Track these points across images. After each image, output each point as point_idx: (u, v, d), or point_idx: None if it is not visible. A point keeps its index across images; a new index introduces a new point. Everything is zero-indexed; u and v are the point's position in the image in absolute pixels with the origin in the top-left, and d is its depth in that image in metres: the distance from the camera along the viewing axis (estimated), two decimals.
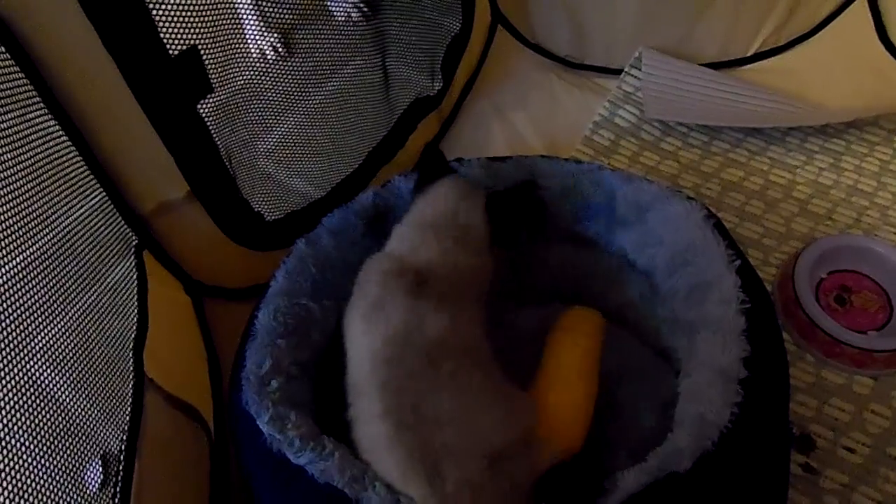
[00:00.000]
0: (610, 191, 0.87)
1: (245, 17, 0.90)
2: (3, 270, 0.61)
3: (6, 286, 0.61)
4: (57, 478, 0.60)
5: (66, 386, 0.65)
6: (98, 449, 0.66)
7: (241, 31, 0.91)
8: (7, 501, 0.53)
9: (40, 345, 0.63)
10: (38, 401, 0.61)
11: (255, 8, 0.90)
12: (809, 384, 0.93)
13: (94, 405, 0.68)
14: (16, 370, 0.59)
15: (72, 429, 0.65)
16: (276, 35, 1.03)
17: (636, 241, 0.87)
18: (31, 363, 0.62)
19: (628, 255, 0.88)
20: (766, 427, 0.67)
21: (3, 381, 0.57)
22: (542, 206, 0.88)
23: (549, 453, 0.67)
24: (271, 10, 0.90)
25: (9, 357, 0.59)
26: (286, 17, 0.92)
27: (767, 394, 0.68)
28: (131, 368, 0.74)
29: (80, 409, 0.66)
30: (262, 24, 0.94)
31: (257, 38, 0.97)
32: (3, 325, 0.59)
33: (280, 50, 1.04)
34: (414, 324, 0.68)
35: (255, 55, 1.00)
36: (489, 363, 0.71)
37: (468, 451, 0.62)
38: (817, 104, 1.24)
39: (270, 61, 1.03)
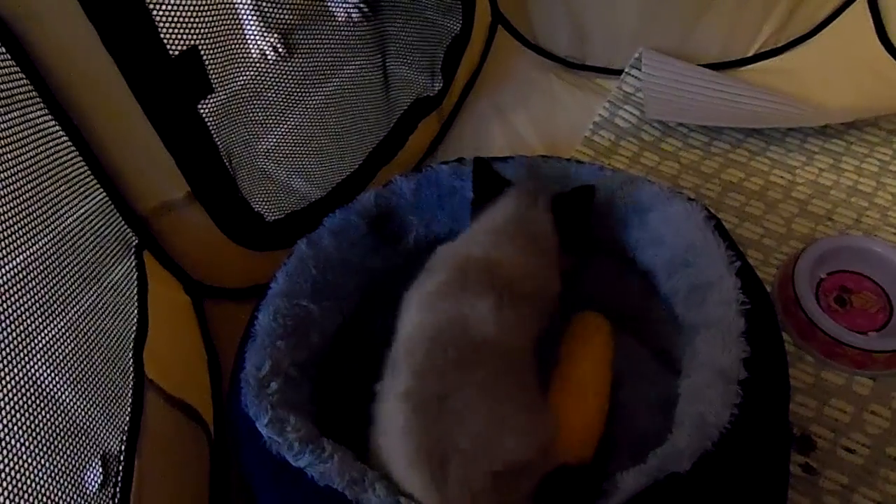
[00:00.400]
0: (610, 191, 0.87)
1: (245, 17, 0.90)
2: (3, 270, 0.61)
3: (6, 286, 0.61)
4: (57, 478, 0.60)
5: (65, 386, 0.65)
6: (98, 449, 0.66)
7: (241, 31, 0.91)
8: (7, 502, 0.53)
9: (40, 345, 0.63)
10: (37, 401, 0.61)
11: (255, 8, 0.90)
12: (809, 385, 0.93)
13: (94, 405, 0.68)
14: (16, 370, 0.59)
15: (71, 429, 0.65)
16: (276, 35, 1.03)
17: (637, 242, 0.87)
18: (31, 363, 0.62)
19: (629, 255, 0.88)
20: (766, 428, 0.67)
21: (4, 382, 0.57)
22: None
23: (558, 465, 0.66)
24: (271, 10, 0.90)
25: (9, 357, 0.59)
26: (286, 17, 0.92)
27: (767, 395, 0.68)
28: (131, 368, 0.74)
29: (79, 410, 0.66)
30: (261, 24, 0.94)
31: (257, 38, 0.97)
32: (4, 325, 0.59)
33: (280, 50, 1.04)
34: (466, 319, 0.68)
35: (255, 55, 1.00)
36: (529, 373, 0.70)
37: (479, 459, 0.61)
38: (817, 105, 1.24)
39: (271, 61, 1.03)
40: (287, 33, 1.03)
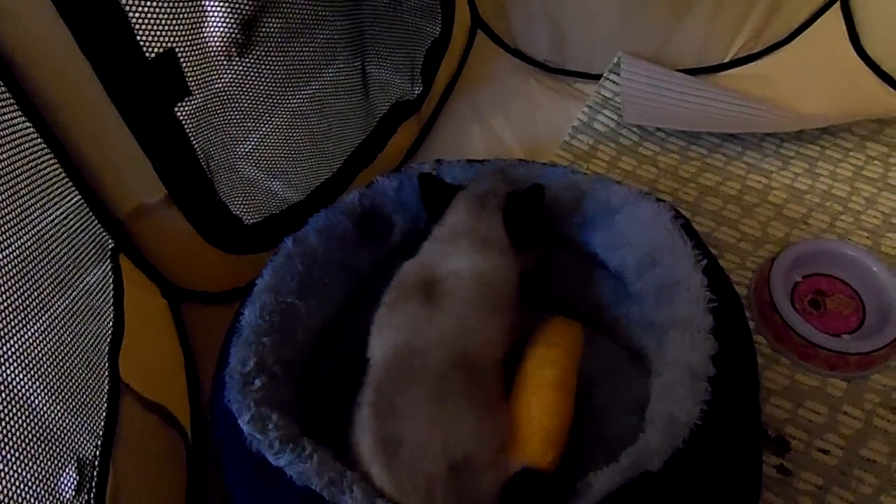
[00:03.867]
0: (581, 193, 0.88)
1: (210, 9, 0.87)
2: None
3: None
4: (30, 483, 0.59)
5: (39, 390, 0.65)
6: (72, 454, 0.66)
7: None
8: None
9: (14, 349, 0.63)
10: (11, 406, 0.60)
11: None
12: (784, 387, 0.94)
13: (69, 410, 0.67)
14: None
15: (46, 434, 0.64)
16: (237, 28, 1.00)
17: (607, 243, 0.87)
18: (5, 367, 0.61)
19: (600, 256, 0.89)
20: (737, 424, 0.68)
21: None
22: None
23: (520, 467, 0.67)
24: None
25: None
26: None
27: (737, 391, 0.68)
28: (106, 372, 0.73)
29: (54, 414, 0.65)
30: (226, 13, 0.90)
31: (220, 28, 0.93)
32: None
33: (240, 40, 1.00)
34: (421, 328, 0.73)
35: (217, 49, 0.96)
36: (491, 373, 0.73)
37: (430, 448, 0.65)
38: (792, 110, 1.25)
39: (248, 62, 1.02)
40: (254, 28, 1.01)
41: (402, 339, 0.73)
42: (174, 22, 0.74)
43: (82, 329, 0.73)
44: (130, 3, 0.69)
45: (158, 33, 0.73)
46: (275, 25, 0.93)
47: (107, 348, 0.75)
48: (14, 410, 0.60)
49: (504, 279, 0.79)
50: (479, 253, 0.79)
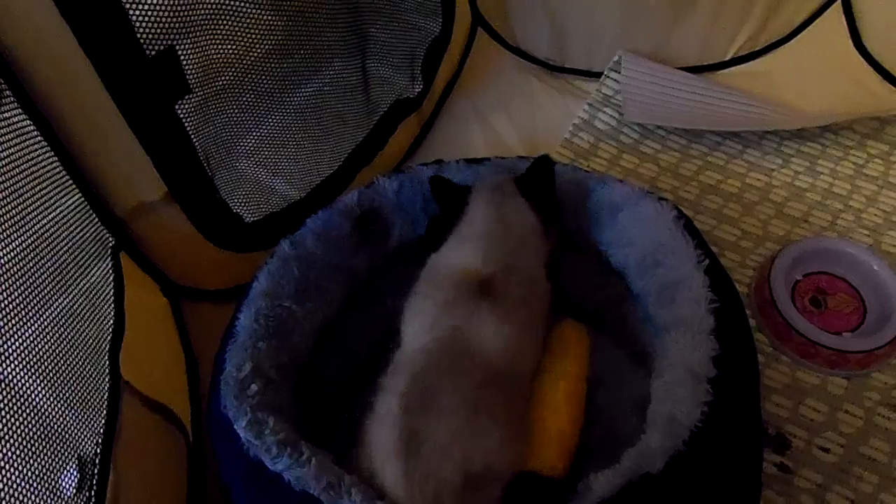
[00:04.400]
0: (584, 192, 0.88)
1: None
2: None
3: None
4: (31, 482, 0.59)
5: (40, 389, 0.65)
6: (73, 452, 0.66)
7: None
8: None
9: (15, 347, 0.63)
10: (12, 404, 0.60)
11: None
12: (785, 385, 0.94)
13: (70, 408, 0.67)
14: None
15: (47, 432, 0.64)
16: None
17: (610, 242, 0.87)
18: (6, 366, 0.61)
19: (603, 256, 0.88)
20: (738, 425, 0.68)
21: None
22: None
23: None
24: None
25: None
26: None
27: (738, 392, 0.68)
28: (107, 371, 0.73)
29: (55, 412, 0.65)
30: None
31: None
32: None
33: None
34: (468, 330, 0.72)
35: None
36: (523, 385, 0.73)
37: (449, 457, 0.64)
38: (793, 108, 1.25)
39: (249, 60, 1.02)
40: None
41: (447, 334, 0.71)
42: (174, 19, 0.74)
43: (83, 327, 0.73)
44: (131, 0, 0.69)
45: (159, 31, 0.72)
46: (276, 24, 0.93)
47: (107, 346, 0.75)
48: (15, 408, 0.60)
49: (538, 279, 0.80)
50: (519, 249, 0.79)
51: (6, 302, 0.63)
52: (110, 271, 0.82)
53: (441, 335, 0.72)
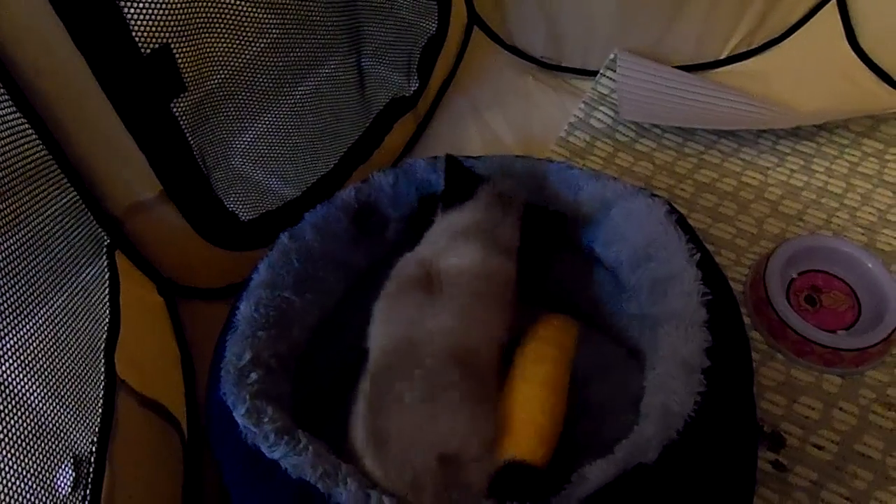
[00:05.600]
0: (577, 188, 0.88)
1: None
2: None
3: None
4: (27, 480, 0.59)
5: (36, 387, 0.65)
6: (69, 451, 0.66)
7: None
8: None
9: (10, 346, 0.63)
10: (7, 403, 0.60)
11: None
12: (780, 383, 0.94)
13: (65, 406, 0.67)
14: None
15: (42, 431, 0.64)
16: None
17: (602, 238, 0.88)
18: (1, 365, 0.61)
19: (596, 251, 0.89)
20: (731, 416, 0.68)
21: None
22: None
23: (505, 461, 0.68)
24: None
25: None
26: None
27: (731, 383, 0.68)
28: (103, 370, 0.73)
29: (50, 411, 0.65)
30: None
31: None
32: None
33: None
34: (421, 320, 0.73)
35: None
36: (487, 367, 0.73)
37: (420, 440, 0.66)
38: (788, 107, 1.25)
39: (245, 58, 1.02)
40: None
41: (401, 331, 0.73)
42: (169, 17, 0.74)
43: (79, 326, 0.73)
44: None
45: (153, 29, 0.72)
46: (271, 21, 0.93)
47: (103, 345, 0.75)
48: (10, 408, 0.60)
49: (506, 277, 0.79)
50: (488, 251, 0.79)
51: (1, 301, 0.63)
52: (105, 270, 0.82)
53: (394, 332, 0.73)
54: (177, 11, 0.74)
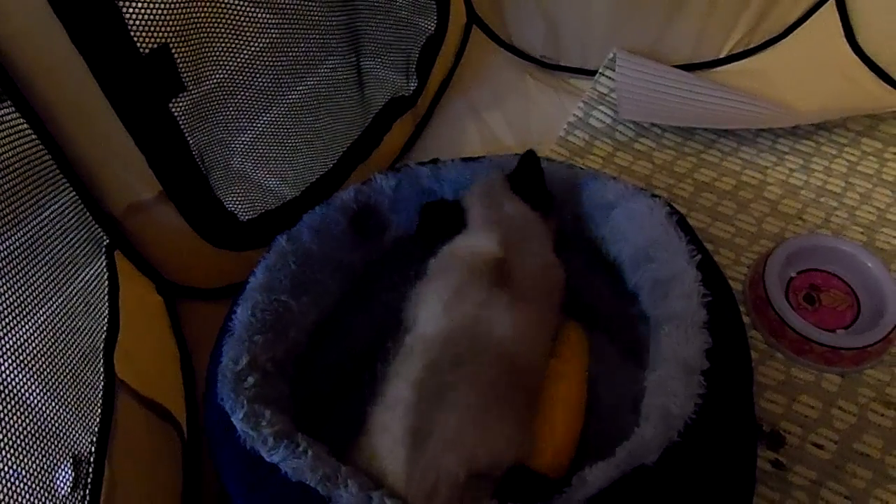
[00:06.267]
0: (577, 189, 0.88)
1: None
2: None
3: None
4: (26, 480, 0.59)
5: (35, 388, 0.65)
6: (68, 451, 0.66)
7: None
8: None
9: (9, 346, 0.63)
10: (6, 403, 0.60)
11: None
12: (779, 382, 0.94)
13: (64, 406, 0.67)
14: None
15: (41, 431, 0.64)
16: None
17: (603, 239, 0.88)
18: (0, 365, 0.61)
19: (596, 252, 0.89)
20: (731, 417, 0.68)
21: None
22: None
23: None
24: None
25: None
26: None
27: (731, 384, 0.68)
28: (102, 370, 0.73)
29: (49, 411, 0.65)
30: None
31: None
32: None
33: None
34: (486, 318, 0.71)
35: None
36: (531, 380, 0.73)
37: (455, 452, 0.63)
38: (787, 106, 1.25)
39: (244, 58, 1.02)
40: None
41: (465, 323, 0.71)
42: (168, 17, 0.74)
43: (78, 326, 0.73)
44: None
45: (152, 29, 0.72)
46: (270, 21, 0.93)
47: (102, 345, 0.75)
48: (10, 407, 0.60)
49: (562, 281, 0.80)
50: (531, 237, 0.80)
51: (0, 301, 0.63)
52: (105, 270, 0.82)
53: (456, 321, 0.71)
54: (176, 11, 0.74)
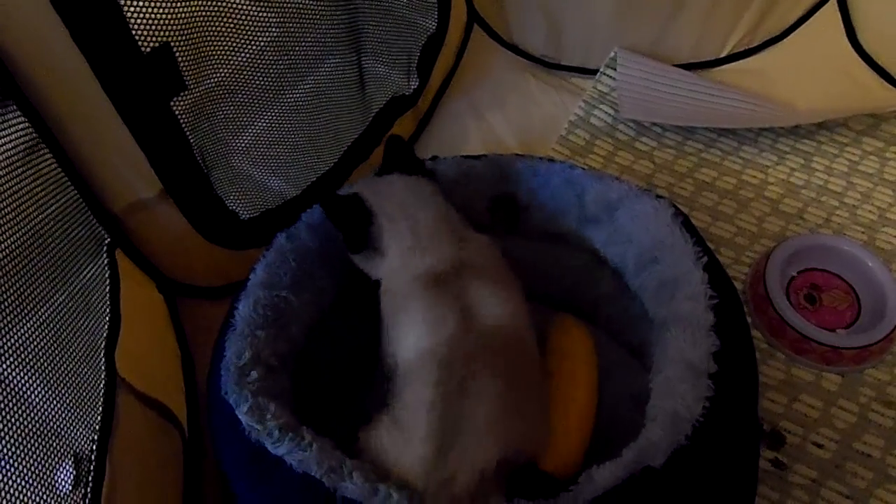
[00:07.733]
0: (581, 189, 0.88)
1: None
2: None
3: None
4: (27, 478, 0.59)
5: (36, 386, 0.65)
6: (69, 449, 0.66)
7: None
8: None
9: (10, 344, 0.63)
10: (8, 401, 0.60)
11: None
12: (780, 381, 0.94)
13: (66, 405, 0.67)
14: None
15: (43, 429, 0.64)
16: None
17: (606, 239, 0.88)
18: (1, 363, 0.61)
19: (599, 252, 0.89)
20: (737, 420, 0.68)
21: None
22: (513, 205, 0.90)
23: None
24: None
25: None
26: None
27: (737, 387, 0.68)
28: (103, 367, 0.73)
29: (51, 409, 0.66)
30: None
31: None
32: None
33: None
34: (466, 308, 0.72)
35: None
36: (537, 365, 0.74)
37: (487, 442, 0.65)
38: (788, 105, 1.25)
39: (245, 57, 1.02)
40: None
41: (457, 321, 0.71)
42: (169, 16, 0.73)
43: (79, 324, 0.73)
44: None
45: (153, 27, 0.72)
46: (271, 20, 0.93)
47: (103, 343, 0.76)
48: (11, 405, 0.60)
49: (491, 245, 0.80)
50: (467, 236, 0.80)
51: (1, 299, 0.63)
52: (106, 268, 0.82)
53: (446, 326, 0.71)
54: (177, 10, 0.74)
